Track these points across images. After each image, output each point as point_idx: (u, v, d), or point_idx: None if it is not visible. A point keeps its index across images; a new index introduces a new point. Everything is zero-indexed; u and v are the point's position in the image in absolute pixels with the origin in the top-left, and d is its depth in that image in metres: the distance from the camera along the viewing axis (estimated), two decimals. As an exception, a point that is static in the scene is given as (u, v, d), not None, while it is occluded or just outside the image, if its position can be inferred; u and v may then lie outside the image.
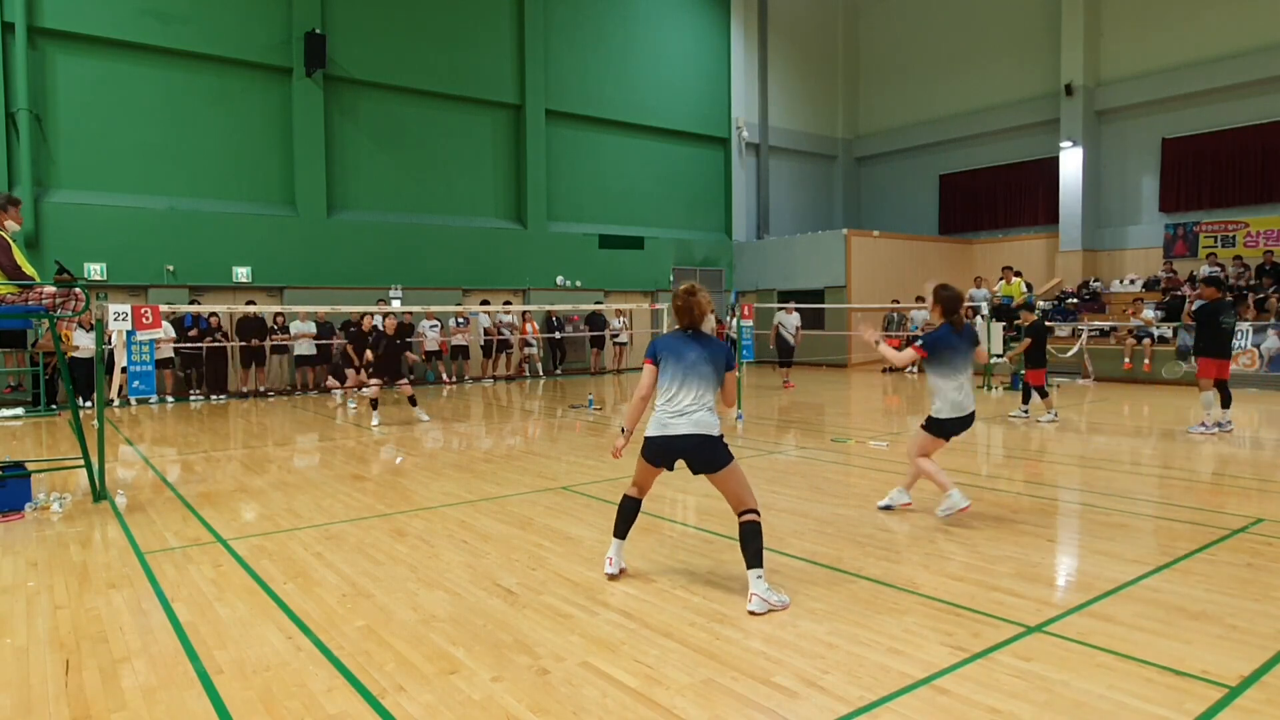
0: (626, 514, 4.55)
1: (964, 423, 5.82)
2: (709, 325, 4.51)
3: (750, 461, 8.27)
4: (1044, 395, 10.90)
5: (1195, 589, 4.27)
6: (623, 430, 4.45)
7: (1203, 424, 9.55)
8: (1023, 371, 11.53)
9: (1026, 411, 11.11)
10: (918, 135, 25.71)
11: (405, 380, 11.89)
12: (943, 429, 5.83)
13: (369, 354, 11.35)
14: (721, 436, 4.32)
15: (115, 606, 4.26)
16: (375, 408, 11.62)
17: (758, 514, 4.20)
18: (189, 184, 16.43)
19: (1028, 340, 11.27)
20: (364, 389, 11.62)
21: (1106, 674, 3.30)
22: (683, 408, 4.24)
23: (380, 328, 11.54)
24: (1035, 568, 4.70)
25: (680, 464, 4.39)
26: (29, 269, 6.44)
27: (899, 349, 6.08)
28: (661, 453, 4.31)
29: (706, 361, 4.30)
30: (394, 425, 11.29)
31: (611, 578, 4.56)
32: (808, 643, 3.66)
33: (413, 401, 11.75)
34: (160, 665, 3.52)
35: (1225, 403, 9.54)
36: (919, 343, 5.84)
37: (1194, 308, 10.09)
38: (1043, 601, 4.14)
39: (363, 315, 12.01)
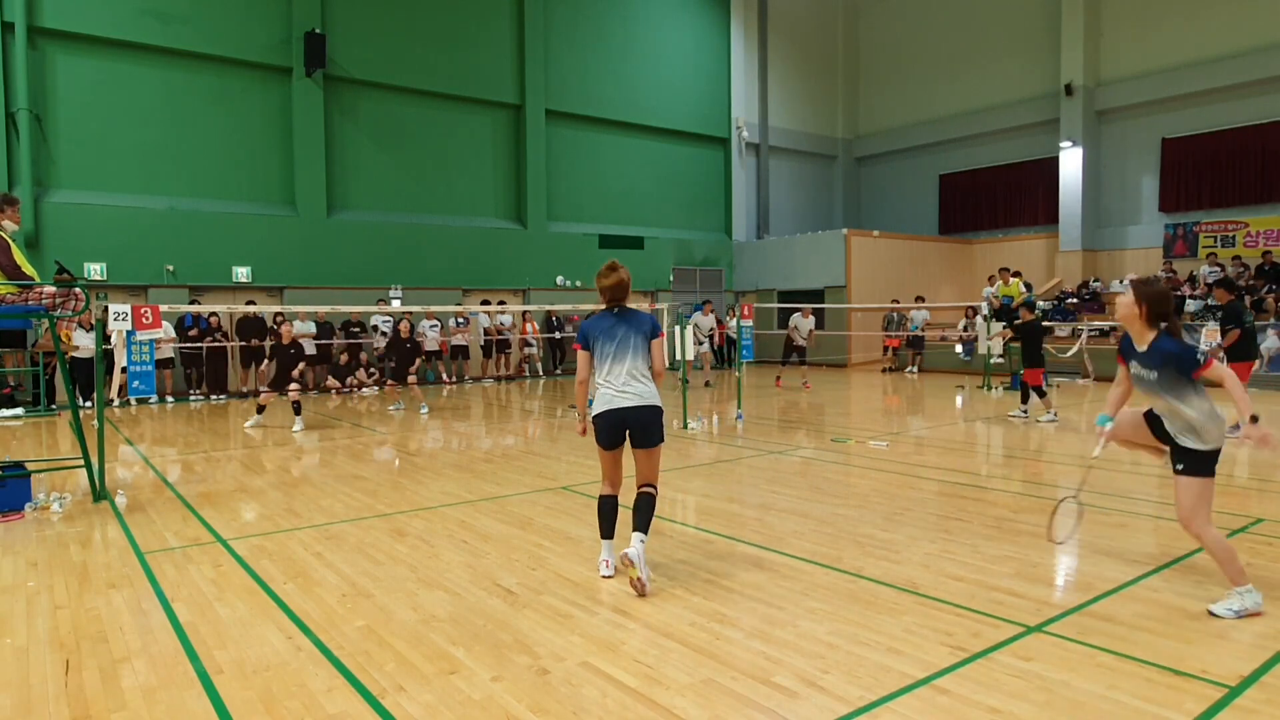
0: (607, 513, 4.59)
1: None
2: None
3: (750, 461, 8.27)
4: (1042, 395, 10.91)
5: (1195, 589, 4.27)
6: (574, 408, 4.59)
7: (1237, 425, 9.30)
8: (1020, 371, 11.54)
9: (1026, 412, 11.12)
10: (918, 135, 25.72)
11: (295, 385, 11.43)
12: (1214, 461, 4.03)
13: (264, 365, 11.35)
14: (662, 410, 4.56)
15: (115, 606, 4.26)
16: (260, 412, 11.48)
17: (657, 490, 4.58)
18: (189, 184, 16.43)
19: (1009, 331, 11.61)
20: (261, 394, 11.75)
21: (1106, 674, 3.30)
22: (623, 384, 4.47)
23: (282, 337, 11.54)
24: (1035, 568, 4.70)
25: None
26: (29, 269, 6.44)
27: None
28: (611, 427, 4.46)
29: (635, 334, 4.54)
30: (394, 428, 11.29)
31: (607, 579, 4.55)
32: (808, 643, 3.66)
33: (296, 409, 11.32)
34: (160, 665, 3.52)
35: None
36: (1206, 363, 3.97)
37: (1219, 315, 9.93)
38: (1043, 601, 4.14)
39: (280, 323, 12.00)
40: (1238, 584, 3.96)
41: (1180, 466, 4.05)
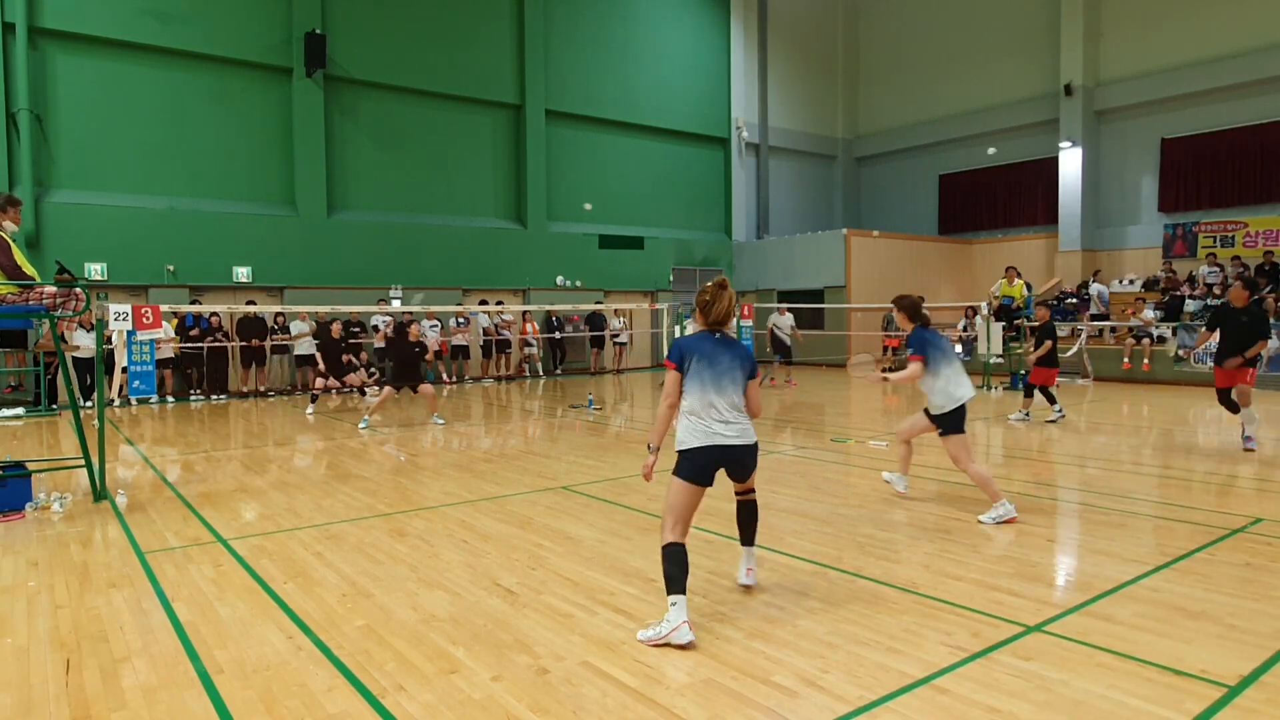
0: (683, 564, 3.73)
1: (964, 409, 5.90)
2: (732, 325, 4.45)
3: (750, 461, 8.27)
4: (1044, 395, 10.84)
5: (1195, 589, 4.28)
6: (650, 447, 4.05)
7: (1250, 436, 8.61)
8: (1022, 371, 11.45)
9: (1027, 415, 11.04)
10: (918, 135, 25.71)
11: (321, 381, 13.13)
12: (958, 420, 5.82)
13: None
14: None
15: (116, 606, 4.27)
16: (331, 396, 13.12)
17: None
18: (189, 184, 16.43)
19: (1049, 343, 10.75)
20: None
21: (1106, 674, 3.31)
22: (727, 416, 3.91)
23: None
24: (1035, 568, 4.70)
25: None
26: (29, 269, 6.44)
27: (890, 368, 6.21)
28: (710, 464, 3.91)
29: (738, 368, 3.98)
30: (391, 426, 11.29)
31: (692, 644, 3.62)
32: (808, 642, 3.66)
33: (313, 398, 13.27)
34: (160, 665, 3.52)
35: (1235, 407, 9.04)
36: (911, 351, 5.95)
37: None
38: (1042, 601, 4.15)
39: (330, 321, 13.73)
40: (995, 500, 5.66)
41: (941, 430, 5.86)
